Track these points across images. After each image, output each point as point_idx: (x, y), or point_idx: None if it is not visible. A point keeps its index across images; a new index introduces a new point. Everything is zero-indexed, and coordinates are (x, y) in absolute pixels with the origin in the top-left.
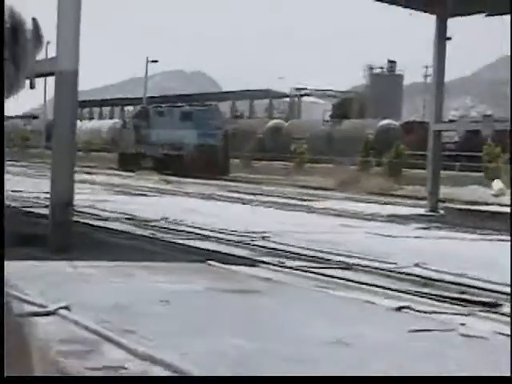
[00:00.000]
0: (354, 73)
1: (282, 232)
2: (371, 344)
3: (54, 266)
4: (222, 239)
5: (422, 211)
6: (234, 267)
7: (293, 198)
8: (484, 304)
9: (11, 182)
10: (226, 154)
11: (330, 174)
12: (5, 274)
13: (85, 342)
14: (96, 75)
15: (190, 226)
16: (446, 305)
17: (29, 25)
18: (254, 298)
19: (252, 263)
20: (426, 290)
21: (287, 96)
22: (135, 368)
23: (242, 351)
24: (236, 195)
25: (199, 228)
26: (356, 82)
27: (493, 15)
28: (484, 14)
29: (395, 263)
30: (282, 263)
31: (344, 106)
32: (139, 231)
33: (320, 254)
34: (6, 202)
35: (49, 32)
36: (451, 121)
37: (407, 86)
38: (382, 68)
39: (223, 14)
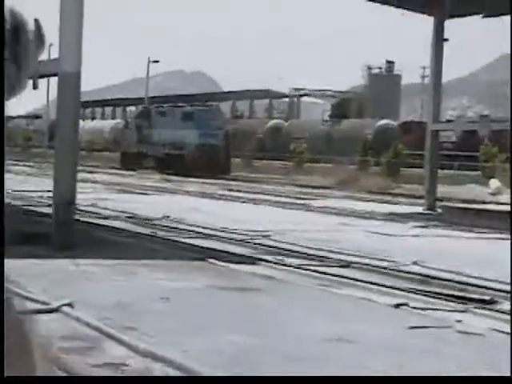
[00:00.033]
0: (353, 73)
1: (283, 230)
2: (370, 341)
3: (56, 264)
4: (223, 237)
5: (419, 210)
6: (234, 265)
7: (292, 197)
8: (480, 301)
9: (13, 182)
10: (227, 153)
11: (329, 174)
12: (5, 270)
13: (87, 339)
14: (98, 76)
15: (191, 225)
16: (444, 302)
17: (31, 25)
18: (254, 295)
19: (252, 261)
20: (424, 288)
21: (287, 96)
22: (136, 365)
23: (242, 348)
24: (236, 194)
25: (200, 226)
26: (355, 82)
27: (490, 16)
28: (481, 15)
29: (394, 261)
30: (282, 261)
31: (343, 106)
32: (140, 229)
33: (319, 253)
34: (9, 201)
35: (52, 34)
36: (449, 121)
37: (405, 86)
38: (380, 68)
39: (223, 13)
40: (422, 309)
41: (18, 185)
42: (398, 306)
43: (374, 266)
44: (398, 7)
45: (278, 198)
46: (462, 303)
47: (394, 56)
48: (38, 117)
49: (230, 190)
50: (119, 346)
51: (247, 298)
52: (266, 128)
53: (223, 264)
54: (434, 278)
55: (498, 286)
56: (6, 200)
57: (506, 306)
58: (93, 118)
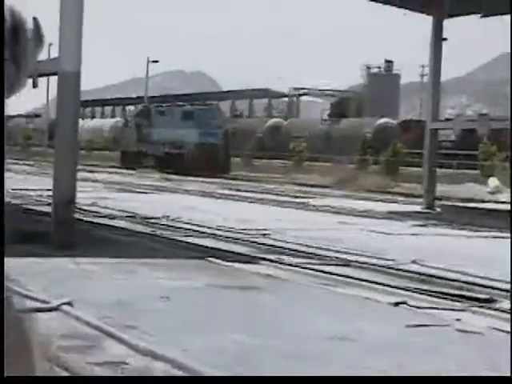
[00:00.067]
0: (352, 72)
1: (282, 229)
2: (371, 339)
3: (56, 263)
4: (222, 236)
5: (418, 208)
6: (233, 264)
7: (292, 196)
8: (479, 300)
9: (13, 180)
10: (226, 152)
11: (328, 172)
12: (5, 268)
13: (86, 338)
14: (98, 75)
15: (190, 224)
16: (443, 301)
17: (30, 24)
18: (254, 294)
19: (252, 260)
20: (423, 287)
21: (286, 95)
22: (136, 363)
23: (242, 347)
24: (236, 193)
25: (199, 225)
26: (354, 82)
27: (488, 16)
28: (479, 15)
29: (393, 260)
30: (282, 260)
31: (342, 105)
32: (140, 228)
33: (318, 251)
34: (9, 200)
35: (52, 33)
36: (448, 119)
37: (404, 85)
38: (379, 68)
39: (223, 13)
40: (421, 307)
41: (18, 183)
42: (397, 304)
43: (372, 265)
44: (397, 7)
45: (277, 197)
46: (462, 302)
47: (393, 55)
48: (37, 115)
49: (230, 188)
50: (119, 344)
51: (247, 296)
52: (265, 127)
53: (223, 263)
54: (433, 276)
55: (497, 285)
56: (6, 199)
57: (505, 304)
58: (92, 117)
